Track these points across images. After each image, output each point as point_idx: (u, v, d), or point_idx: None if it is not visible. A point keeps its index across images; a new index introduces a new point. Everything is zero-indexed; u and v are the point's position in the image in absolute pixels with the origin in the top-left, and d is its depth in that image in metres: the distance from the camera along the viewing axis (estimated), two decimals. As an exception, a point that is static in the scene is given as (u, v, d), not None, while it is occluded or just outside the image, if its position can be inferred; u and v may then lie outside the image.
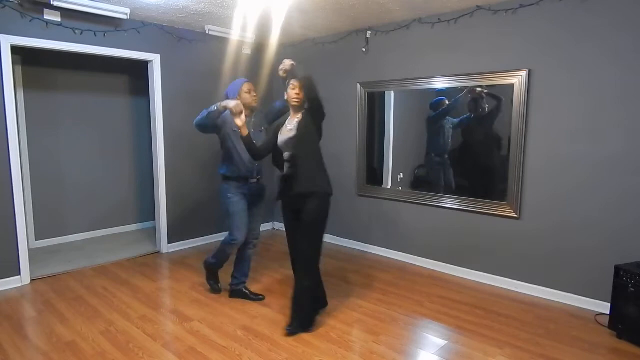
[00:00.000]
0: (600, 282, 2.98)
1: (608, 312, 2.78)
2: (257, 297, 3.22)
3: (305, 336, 2.68)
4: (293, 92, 2.67)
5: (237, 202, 3.06)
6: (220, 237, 4.90)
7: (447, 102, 3.72)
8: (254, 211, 3.19)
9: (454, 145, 3.79)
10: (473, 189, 3.66)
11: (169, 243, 4.49)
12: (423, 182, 4.03)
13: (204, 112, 2.94)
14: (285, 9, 3.57)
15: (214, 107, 2.90)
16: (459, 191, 3.74)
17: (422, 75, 3.84)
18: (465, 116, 3.66)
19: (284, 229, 2.92)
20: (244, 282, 3.27)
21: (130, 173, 5.28)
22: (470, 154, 3.69)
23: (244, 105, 2.93)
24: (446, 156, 3.84)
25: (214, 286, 3.36)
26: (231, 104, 2.76)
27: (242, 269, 3.24)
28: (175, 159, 4.46)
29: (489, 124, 3.51)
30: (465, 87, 3.59)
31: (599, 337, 2.69)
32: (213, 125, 3.01)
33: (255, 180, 3.15)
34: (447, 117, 3.77)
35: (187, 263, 4.12)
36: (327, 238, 4.85)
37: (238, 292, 3.24)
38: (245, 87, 3.06)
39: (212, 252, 3.29)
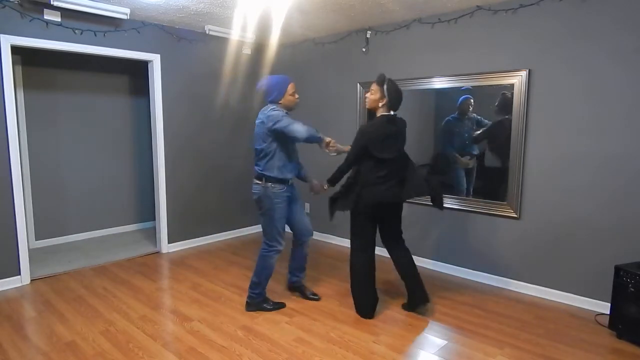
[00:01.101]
0: (600, 282, 2.98)
1: (608, 312, 2.79)
2: (313, 297, 3.24)
3: (305, 336, 2.69)
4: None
5: (283, 208, 2.94)
6: (221, 236, 4.93)
7: (472, 101, 3.60)
8: (296, 209, 3.09)
9: (477, 147, 3.68)
10: (491, 191, 3.58)
11: (169, 243, 4.49)
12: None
13: (313, 132, 2.80)
14: (285, 9, 3.57)
15: (320, 138, 2.83)
16: (477, 194, 3.65)
17: (422, 75, 3.84)
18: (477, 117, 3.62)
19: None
20: (303, 277, 3.33)
21: (130, 173, 5.28)
22: (492, 156, 3.61)
23: (286, 107, 2.94)
24: (469, 158, 3.74)
25: (275, 306, 3.09)
26: (327, 142, 2.86)
27: (300, 266, 3.27)
28: (175, 159, 4.46)
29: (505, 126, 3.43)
30: (465, 87, 3.59)
31: (599, 337, 2.69)
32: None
33: (292, 181, 3.07)
34: (472, 118, 3.67)
35: (187, 263, 4.12)
36: (328, 238, 4.86)
37: (297, 288, 3.31)
38: (291, 88, 2.93)
39: (252, 285, 3.05)
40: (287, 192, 2.96)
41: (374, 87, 2.80)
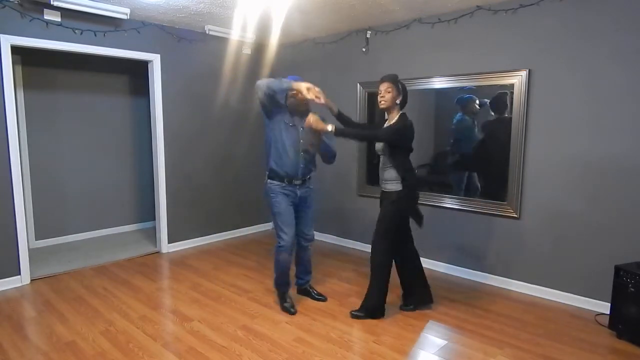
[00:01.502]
0: (600, 282, 2.98)
1: (608, 312, 2.79)
2: (319, 298, 3.23)
3: (305, 336, 2.69)
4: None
5: (279, 201, 2.90)
6: (221, 236, 4.93)
7: (477, 101, 3.56)
8: (301, 214, 3.04)
9: (475, 145, 3.66)
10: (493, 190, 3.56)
11: (169, 243, 4.49)
12: (424, 182, 4.01)
13: (276, 80, 2.74)
14: (285, 9, 3.57)
15: (285, 83, 2.73)
16: (477, 194, 3.64)
17: (422, 75, 3.84)
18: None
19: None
20: (309, 280, 3.30)
21: (130, 173, 5.28)
22: (489, 155, 3.58)
23: (290, 107, 2.88)
24: (470, 156, 3.72)
25: (288, 308, 3.02)
26: (307, 87, 2.66)
27: (304, 269, 3.24)
28: (175, 158, 4.46)
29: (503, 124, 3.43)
30: (468, 87, 3.59)
31: (599, 337, 2.69)
32: (271, 97, 2.76)
33: (300, 181, 2.95)
34: (473, 117, 3.65)
35: (187, 263, 4.12)
36: (328, 238, 4.87)
37: (303, 291, 3.29)
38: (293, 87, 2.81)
39: None
40: (286, 190, 2.93)
41: (388, 85, 2.76)
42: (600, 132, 2.95)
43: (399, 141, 2.76)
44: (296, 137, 2.90)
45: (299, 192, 2.98)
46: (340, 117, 3.02)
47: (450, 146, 3.86)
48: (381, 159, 2.90)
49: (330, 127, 2.69)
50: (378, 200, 3.02)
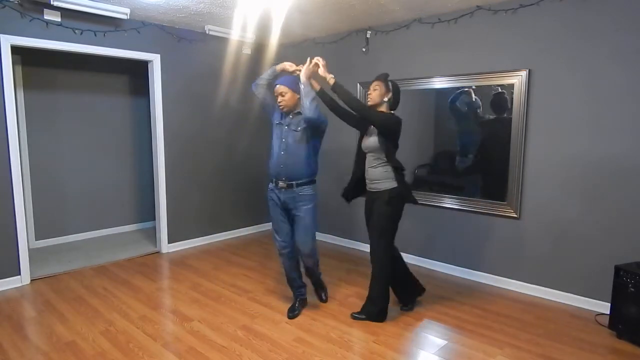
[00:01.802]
0: (600, 282, 2.98)
1: (608, 312, 2.79)
2: (319, 298, 3.21)
3: (305, 336, 2.69)
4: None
5: (270, 208, 2.89)
6: (221, 236, 4.94)
7: (474, 101, 3.57)
8: (293, 220, 2.84)
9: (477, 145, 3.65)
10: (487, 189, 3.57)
11: (169, 243, 4.49)
12: (424, 182, 4.02)
13: (263, 75, 2.89)
14: (285, 9, 3.57)
15: (270, 69, 2.88)
16: (478, 194, 3.62)
17: (422, 75, 3.84)
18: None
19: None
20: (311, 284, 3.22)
21: (130, 173, 5.28)
22: (489, 155, 3.56)
23: (280, 107, 2.84)
24: (470, 156, 3.71)
25: (290, 310, 2.99)
26: (286, 64, 2.82)
27: (305, 273, 3.12)
28: (175, 158, 4.46)
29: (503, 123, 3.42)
30: (465, 87, 3.59)
31: (599, 337, 2.69)
32: (268, 88, 2.86)
33: (284, 184, 2.76)
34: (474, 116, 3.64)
35: (187, 263, 4.12)
36: (328, 237, 4.87)
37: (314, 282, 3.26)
38: (276, 89, 2.77)
39: None
40: (271, 193, 2.86)
41: (376, 83, 2.79)
42: (600, 132, 2.95)
43: (390, 131, 2.75)
44: (280, 135, 2.82)
45: (282, 197, 2.79)
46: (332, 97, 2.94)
47: (456, 146, 3.85)
48: (368, 158, 2.86)
49: (329, 77, 2.78)
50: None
